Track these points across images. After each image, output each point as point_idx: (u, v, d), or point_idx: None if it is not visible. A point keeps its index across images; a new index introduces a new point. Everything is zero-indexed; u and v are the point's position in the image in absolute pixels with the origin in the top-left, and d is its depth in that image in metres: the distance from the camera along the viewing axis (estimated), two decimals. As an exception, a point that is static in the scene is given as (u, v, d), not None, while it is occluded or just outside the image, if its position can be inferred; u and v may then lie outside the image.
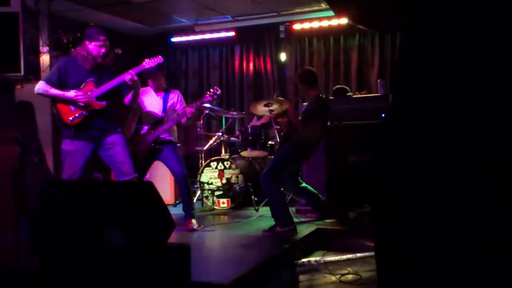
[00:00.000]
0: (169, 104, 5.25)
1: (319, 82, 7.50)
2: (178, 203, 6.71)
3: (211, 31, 8.43)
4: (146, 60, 4.57)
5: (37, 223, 3.25)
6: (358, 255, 4.36)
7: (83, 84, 4.38)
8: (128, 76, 4.38)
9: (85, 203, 3.16)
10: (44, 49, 5.99)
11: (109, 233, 2.98)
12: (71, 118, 4.34)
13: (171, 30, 8.64)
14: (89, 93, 4.36)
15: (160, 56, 4.63)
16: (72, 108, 4.36)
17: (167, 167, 5.23)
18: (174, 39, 8.74)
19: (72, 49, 4.50)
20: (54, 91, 4.34)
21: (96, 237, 3.01)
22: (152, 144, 5.08)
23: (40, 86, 4.38)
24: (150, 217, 2.99)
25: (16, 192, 3.58)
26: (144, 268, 2.93)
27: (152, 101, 5.25)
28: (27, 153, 3.71)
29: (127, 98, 4.60)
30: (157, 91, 5.28)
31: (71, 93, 4.32)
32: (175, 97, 5.32)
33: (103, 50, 4.39)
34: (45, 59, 5.99)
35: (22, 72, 5.24)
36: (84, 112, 4.35)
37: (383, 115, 5.38)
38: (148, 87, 5.31)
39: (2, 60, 5.23)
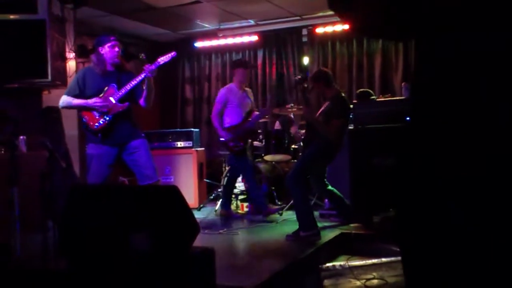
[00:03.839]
0: (251, 98, 6.12)
1: (340, 83, 7.53)
2: (202, 207, 6.74)
3: (234, 36, 8.48)
4: (160, 57, 4.64)
5: (64, 227, 3.31)
6: (384, 259, 4.32)
7: (104, 91, 4.45)
8: (146, 72, 4.41)
9: (111, 207, 3.20)
10: (71, 55, 6.08)
11: (134, 236, 3.01)
12: (96, 124, 4.42)
13: (195, 35, 8.71)
14: (110, 97, 4.43)
15: (174, 52, 4.70)
16: (96, 114, 4.44)
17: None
18: (198, 44, 8.80)
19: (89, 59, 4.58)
20: (77, 101, 4.47)
21: (122, 240, 3.04)
22: (252, 128, 5.95)
23: (63, 100, 4.53)
24: (175, 221, 3.01)
25: (44, 196, 3.64)
26: (168, 271, 2.95)
27: (240, 97, 5.95)
28: (54, 158, 3.77)
29: (142, 100, 4.63)
30: (240, 87, 5.95)
31: (92, 100, 4.42)
32: (250, 93, 6.14)
33: (117, 49, 4.48)
34: (71, 65, 6.07)
35: (49, 78, 5.32)
36: (108, 117, 4.41)
37: (407, 118, 5.32)
38: (232, 84, 5.92)
39: (30, 66, 5.31)
